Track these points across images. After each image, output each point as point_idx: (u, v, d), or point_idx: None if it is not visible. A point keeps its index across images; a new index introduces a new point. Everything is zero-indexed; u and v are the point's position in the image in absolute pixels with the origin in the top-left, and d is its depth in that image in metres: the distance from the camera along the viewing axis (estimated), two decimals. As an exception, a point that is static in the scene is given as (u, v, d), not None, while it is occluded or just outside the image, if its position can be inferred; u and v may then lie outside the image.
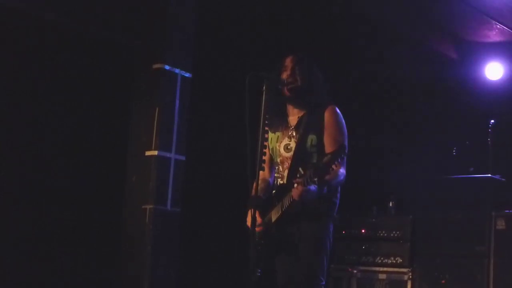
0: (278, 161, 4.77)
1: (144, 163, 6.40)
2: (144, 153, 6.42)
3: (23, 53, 6.13)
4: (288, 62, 4.74)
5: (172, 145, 6.47)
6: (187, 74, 6.57)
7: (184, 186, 6.48)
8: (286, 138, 4.75)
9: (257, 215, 4.50)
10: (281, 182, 4.73)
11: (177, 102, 6.49)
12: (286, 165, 4.72)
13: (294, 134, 4.73)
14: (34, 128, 6.30)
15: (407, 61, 7.58)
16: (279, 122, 4.79)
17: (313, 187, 4.34)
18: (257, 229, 4.54)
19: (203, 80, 6.83)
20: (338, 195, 4.72)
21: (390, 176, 7.79)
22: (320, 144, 4.64)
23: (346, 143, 4.61)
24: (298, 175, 4.36)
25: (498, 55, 7.76)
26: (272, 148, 4.80)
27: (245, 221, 4.65)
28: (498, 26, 7.16)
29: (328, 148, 4.58)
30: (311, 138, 4.65)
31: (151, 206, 6.30)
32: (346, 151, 4.33)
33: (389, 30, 7.32)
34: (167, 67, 6.45)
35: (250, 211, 4.50)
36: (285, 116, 4.80)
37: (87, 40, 6.48)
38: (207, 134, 7.27)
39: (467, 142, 7.66)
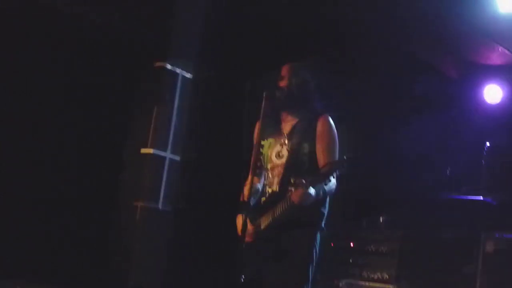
0: (268, 167, 4.76)
1: (139, 161, 6.41)
2: (140, 150, 6.44)
3: (20, 48, 6.10)
4: (285, 71, 4.78)
5: (168, 144, 6.49)
6: (188, 75, 6.59)
7: (178, 186, 6.48)
8: (278, 145, 4.76)
9: (248, 222, 4.50)
10: (270, 189, 4.73)
11: (176, 101, 6.51)
12: (276, 172, 4.72)
13: (286, 142, 4.74)
14: (31, 123, 6.27)
15: (405, 77, 7.58)
16: (272, 129, 4.81)
17: (312, 192, 4.35)
18: (247, 238, 4.56)
19: (203, 81, 6.82)
20: (327, 205, 4.74)
21: (382, 191, 7.78)
22: (311, 152, 4.66)
23: (337, 154, 4.65)
24: (289, 184, 4.37)
25: (497, 78, 7.75)
26: (264, 155, 4.80)
27: (235, 224, 4.67)
28: (499, 49, 7.17)
29: (321, 157, 4.62)
30: (304, 146, 4.67)
31: (142, 204, 6.31)
32: (346, 165, 4.34)
33: (390, 45, 7.32)
34: (168, 66, 6.48)
35: (241, 216, 4.53)
36: (278, 123, 4.83)
37: (88, 36, 6.46)
38: (204, 136, 7.25)
39: (448, 169, 7.65)
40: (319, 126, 4.68)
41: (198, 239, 7.21)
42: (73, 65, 6.44)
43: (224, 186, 6.34)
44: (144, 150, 6.44)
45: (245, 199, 4.45)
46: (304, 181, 4.29)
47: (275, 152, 4.75)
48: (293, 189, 4.35)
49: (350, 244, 7.54)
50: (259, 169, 4.76)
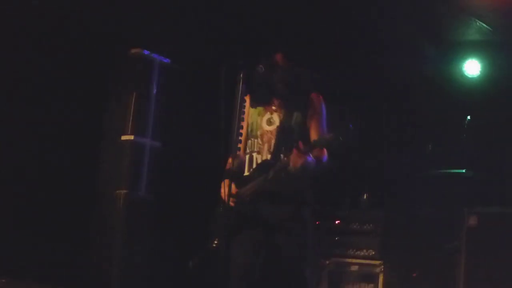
0: (258, 134, 4.72)
1: (119, 148, 6.39)
2: (120, 138, 6.41)
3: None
4: (279, 58, 4.72)
5: (148, 130, 6.46)
6: (165, 60, 6.56)
7: (159, 173, 6.45)
8: (268, 113, 4.74)
9: (233, 186, 4.43)
10: (259, 156, 4.68)
11: (154, 87, 6.48)
12: (266, 138, 4.69)
13: (278, 109, 4.72)
14: (11, 112, 6.22)
15: (386, 57, 7.56)
16: (263, 98, 4.77)
17: (310, 158, 4.36)
18: (231, 201, 4.47)
19: (182, 66, 6.77)
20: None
21: (364, 169, 7.79)
22: (302, 123, 4.65)
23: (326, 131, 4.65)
24: (281, 152, 4.42)
25: (476, 53, 7.73)
26: (252, 123, 4.77)
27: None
28: (477, 24, 7.16)
29: (312, 130, 4.63)
30: (296, 115, 4.65)
31: (124, 192, 6.29)
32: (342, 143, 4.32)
33: (372, 26, 7.28)
34: (145, 52, 6.44)
35: (224, 182, 4.47)
36: (269, 94, 4.76)
37: (63, 24, 6.38)
38: (184, 121, 7.20)
39: (430, 145, 7.66)
40: (312, 100, 4.69)
41: (179, 225, 7.15)
42: (48, 55, 6.36)
43: (205, 170, 6.30)
44: (124, 137, 6.40)
45: (230, 167, 4.43)
46: (305, 147, 4.30)
47: (266, 119, 4.73)
48: (284, 156, 4.37)
49: (334, 223, 7.56)
50: (244, 142, 4.74)
